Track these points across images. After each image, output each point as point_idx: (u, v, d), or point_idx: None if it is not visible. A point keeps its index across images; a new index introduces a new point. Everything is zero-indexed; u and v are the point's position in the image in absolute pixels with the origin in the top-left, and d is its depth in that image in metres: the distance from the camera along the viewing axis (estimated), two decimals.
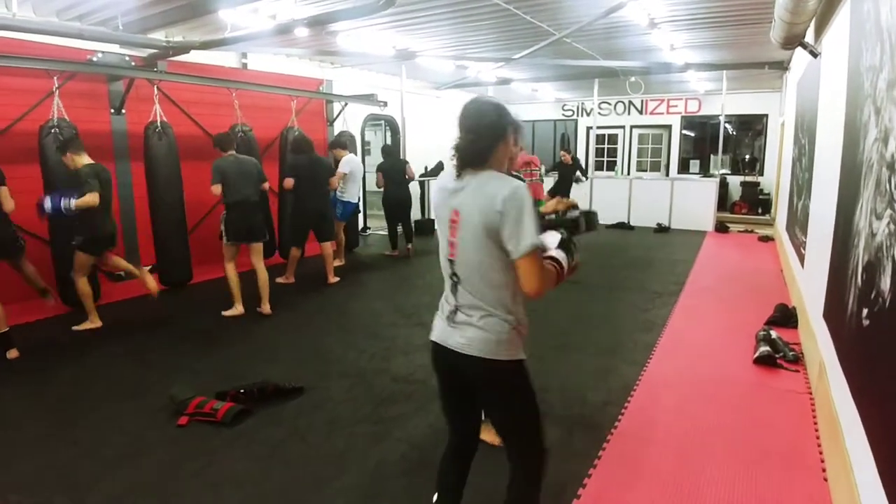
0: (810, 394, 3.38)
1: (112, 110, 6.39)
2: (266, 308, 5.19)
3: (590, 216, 2.37)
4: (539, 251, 1.64)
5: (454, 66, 9.31)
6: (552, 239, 1.99)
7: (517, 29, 6.90)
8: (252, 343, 4.46)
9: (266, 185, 5.53)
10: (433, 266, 6.97)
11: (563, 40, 7.12)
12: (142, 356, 4.16)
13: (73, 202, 4.48)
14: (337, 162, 6.95)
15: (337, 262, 6.99)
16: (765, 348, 3.88)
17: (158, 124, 6.07)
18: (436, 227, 1.82)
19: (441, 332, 1.80)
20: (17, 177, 4.87)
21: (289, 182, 6.10)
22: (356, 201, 7.24)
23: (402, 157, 8.80)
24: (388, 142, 10.77)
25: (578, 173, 9.89)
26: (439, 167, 10.79)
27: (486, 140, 1.67)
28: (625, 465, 2.65)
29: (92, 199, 4.43)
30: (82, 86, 6.07)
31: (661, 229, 10.23)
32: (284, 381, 3.54)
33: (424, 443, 2.85)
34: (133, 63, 6.28)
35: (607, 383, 3.59)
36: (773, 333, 4.13)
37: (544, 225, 2.36)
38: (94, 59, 6.00)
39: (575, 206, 2.45)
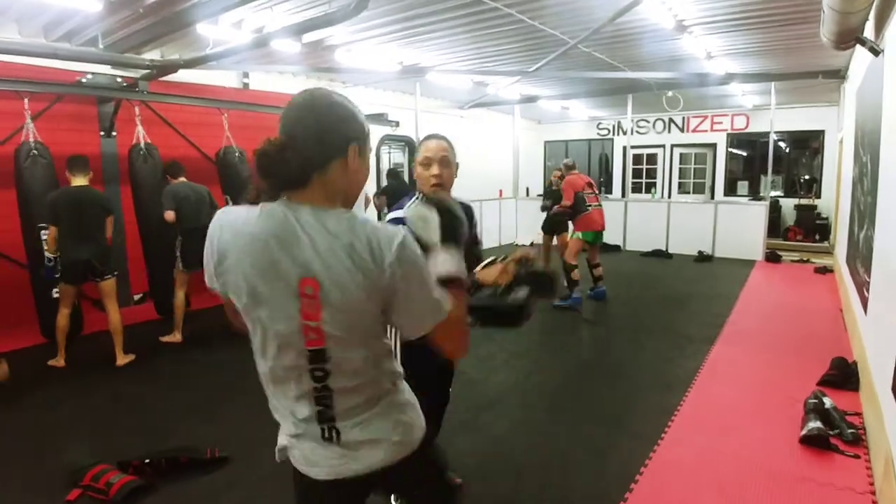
0: (873, 493, 2.53)
1: (102, 132, 6.13)
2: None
3: (542, 283, 1.80)
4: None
5: (471, 83, 8.73)
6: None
7: (529, 39, 6.29)
8: (200, 389, 3.88)
9: None
10: None
11: (583, 50, 6.45)
12: (87, 399, 3.66)
13: (47, 252, 4.39)
14: None
15: None
16: (815, 424, 3.02)
17: (143, 146, 5.72)
18: (236, 299, 1.13)
19: (321, 459, 1.18)
20: None
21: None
22: None
23: (408, 180, 8.33)
24: (405, 165, 10.27)
25: None
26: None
27: (313, 150, 1.08)
28: None
29: (51, 233, 4.32)
30: (70, 108, 5.86)
31: (703, 258, 9.25)
32: (211, 445, 2.94)
33: None
34: (124, 84, 5.98)
35: (603, 467, 2.82)
36: (827, 401, 3.26)
37: (477, 305, 1.75)
38: (84, 80, 5.77)
39: (525, 261, 1.83)
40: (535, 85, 9.54)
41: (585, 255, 6.37)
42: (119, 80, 6.04)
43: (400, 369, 1.25)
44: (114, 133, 6.13)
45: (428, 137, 2.11)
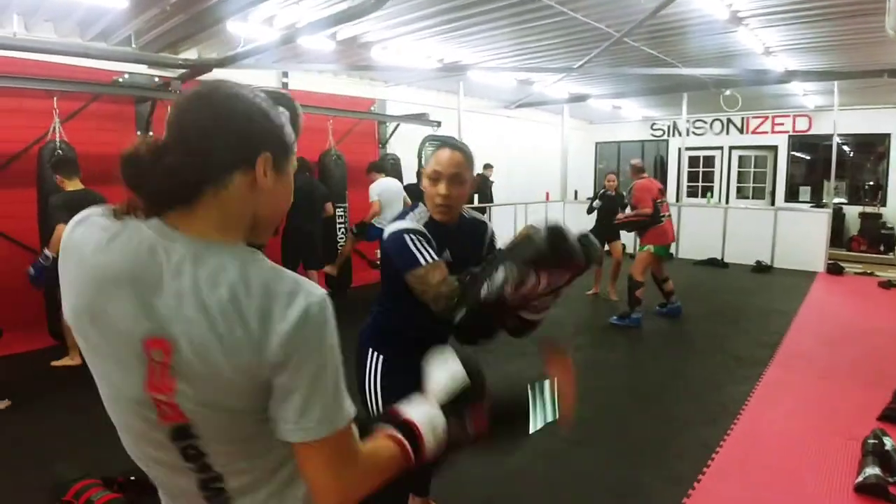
0: None
1: (139, 132, 6.17)
2: None
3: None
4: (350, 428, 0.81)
5: (515, 82, 8.41)
6: (441, 374, 1.08)
7: (573, 34, 5.98)
8: None
9: None
10: None
11: (631, 44, 6.05)
12: (85, 408, 3.57)
13: (46, 249, 4.08)
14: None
15: (328, 269, 6.47)
16: (872, 471, 2.60)
17: None
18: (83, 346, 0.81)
19: None
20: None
21: None
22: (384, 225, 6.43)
23: None
24: None
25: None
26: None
27: (205, 157, 0.76)
28: None
29: (56, 234, 3.87)
30: (109, 107, 5.90)
31: (761, 268, 8.61)
32: None
33: None
34: (160, 84, 6.01)
35: None
36: (889, 442, 2.82)
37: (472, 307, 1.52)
38: (121, 80, 5.85)
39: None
40: (584, 83, 9.12)
41: (650, 269, 5.79)
42: (157, 80, 6.08)
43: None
44: (150, 133, 6.16)
45: (443, 145, 1.74)
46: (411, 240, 1.63)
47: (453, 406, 1.01)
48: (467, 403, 1.03)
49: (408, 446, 0.90)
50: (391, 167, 7.71)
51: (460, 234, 1.81)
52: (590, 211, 6.74)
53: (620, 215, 5.87)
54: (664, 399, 3.82)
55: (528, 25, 5.75)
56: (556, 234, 1.45)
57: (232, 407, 0.76)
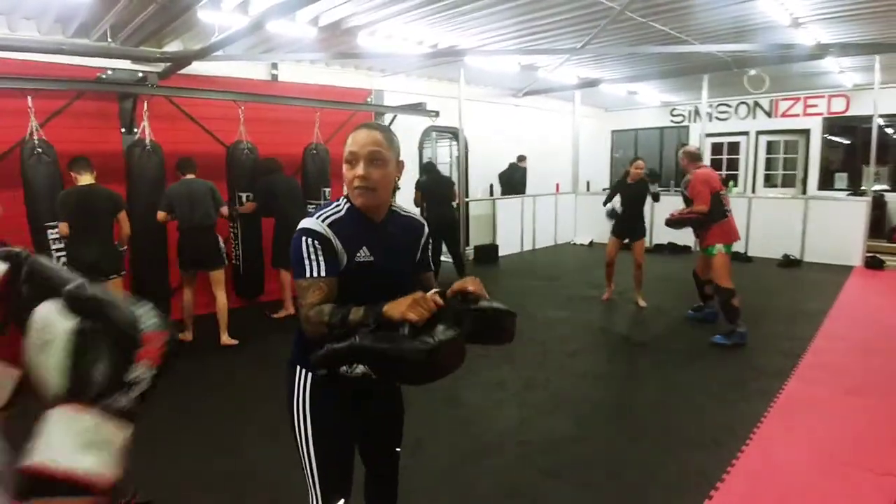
0: None
1: (123, 129, 5.95)
2: (225, 338, 4.85)
3: (487, 323, 1.47)
4: None
5: (519, 67, 7.94)
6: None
7: (575, 10, 5.48)
8: (162, 410, 3.42)
9: (225, 210, 5.08)
10: (513, 304, 5.68)
11: (637, 19, 5.55)
12: None
13: None
14: None
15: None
16: None
17: (147, 143, 5.46)
18: None
19: None
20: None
21: (250, 206, 5.70)
22: None
23: (457, 174, 7.73)
24: (457, 158, 9.65)
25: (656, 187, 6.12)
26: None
27: None
28: None
29: (62, 229, 4.27)
30: (91, 105, 5.72)
31: (789, 262, 7.98)
32: (134, 488, 2.46)
33: None
34: (141, 79, 5.78)
35: None
36: None
37: (364, 346, 1.33)
38: (104, 76, 5.65)
39: (465, 296, 1.48)
40: (594, 67, 8.58)
41: (694, 267, 5.29)
42: (140, 75, 5.86)
43: None
44: (135, 130, 5.93)
45: (359, 127, 1.58)
46: (306, 244, 1.49)
47: None
48: None
49: None
50: None
51: (388, 231, 1.62)
52: (610, 215, 5.84)
53: (675, 212, 5.03)
54: (663, 417, 3.36)
55: (527, 3, 5.31)
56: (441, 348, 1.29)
57: None
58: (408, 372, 1.30)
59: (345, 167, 1.55)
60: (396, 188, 1.72)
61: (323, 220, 1.52)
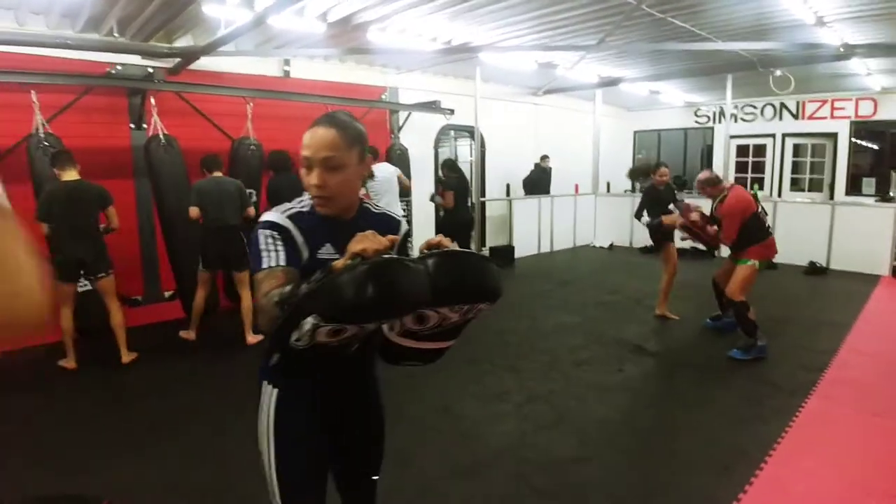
0: None
1: (132, 125, 5.94)
2: (250, 337, 4.81)
3: (458, 262, 1.25)
4: None
5: (536, 65, 7.75)
6: None
7: (593, 5, 5.27)
8: (156, 411, 3.34)
9: (251, 212, 4.97)
10: (509, 313, 5.53)
11: (656, 15, 5.34)
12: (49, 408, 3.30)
13: None
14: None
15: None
16: None
17: (161, 137, 5.45)
18: None
19: None
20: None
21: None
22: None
23: (472, 173, 7.60)
24: (473, 158, 9.50)
25: (682, 195, 5.83)
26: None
27: None
28: None
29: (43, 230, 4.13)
30: (101, 100, 5.77)
31: (815, 270, 7.67)
32: (110, 498, 2.36)
33: None
34: (148, 74, 5.75)
35: None
36: None
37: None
38: (113, 71, 5.67)
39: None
40: (615, 65, 8.35)
41: (713, 274, 4.99)
42: (150, 70, 5.84)
43: None
44: (144, 125, 5.91)
45: (314, 123, 1.42)
46: (265, 237, 1.38)
47: None
48: None
49: None
50: (398, 158, 7.27)
51: (358, 227, 1.41)
52: (657, 228, 5.16)
53: (695, 210, 4.68)
54: (669, 437, 3.17)
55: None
56: (382, 271, 1.08)
57: None
58: (352, 305, 1.05)
59: (302, 171, 1.43)
60: (368, 179, 1.59)
61: (284, 213, 1.43)
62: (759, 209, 4.49)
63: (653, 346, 4.71)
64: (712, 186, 4.60)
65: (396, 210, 5.91)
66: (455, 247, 1.26)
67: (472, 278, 1.21)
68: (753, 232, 4.36)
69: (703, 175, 4.65)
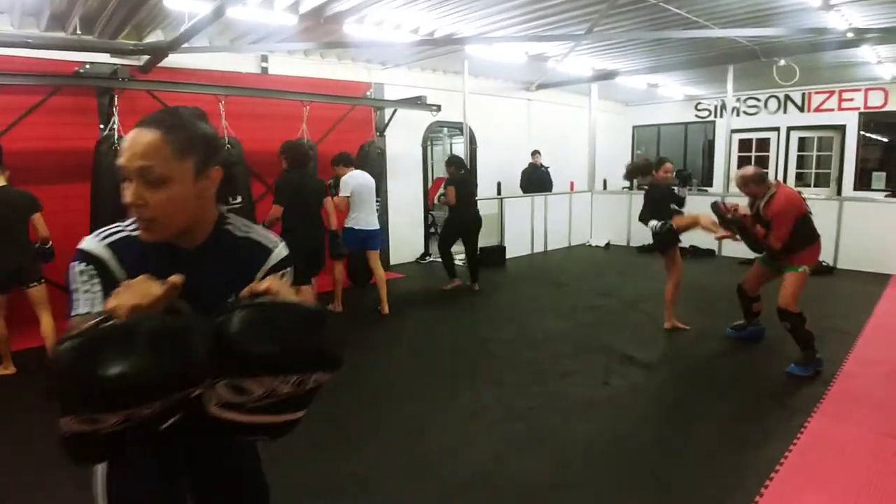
0: None
1: (101, 125, 5.69)
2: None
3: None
4: None
5: (526, 58, 7.44)
6: None
7: None
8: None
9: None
10: (496, 319, 5.23)
11: (649, 1, 5.00)
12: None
13: None
14: (338, 181, 5.54)
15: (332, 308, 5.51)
16: None
17: (115, 140, 5.12)
18: None
19: None
20: None
21: (277, 210, 4.81)
22: (363, 227, 5.50)
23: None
24: (463, 155, 9.19)
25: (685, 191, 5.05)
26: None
27: None
28: None
29: None
30: (68, 100, 5.53)
31: (821, 270, 7.26)
32: None
33: None
34: (128, 73, 5.51)
35: None
36: None
37: None
38: (82, 70, 5.42)
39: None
40: (609, 57, 8.04)
41: (742, 280, 4.60)
42: (120, 68, 5.58)
43: None
44: (114, 126, 5.66)
45: (136, 125, 1.10)
46: (75, 273, 1.11)
47: None
48: None
49: None
50: (377, 158, 6.95)
51: (207, 257, 1.17)
52: (668, 232, 4.70)
53: (735, 209, 4.16)
54: (658, 462, 2.85)
55: None
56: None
57: None
58: (64, 393, 0.84)
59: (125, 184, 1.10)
60: (233, 199, 1.28)
61: (103, 238, 1.13)
62: (810, 212, 4.05)
63: (645, 356, 4.38)
64: (757, 184, 4.05)
65: (372, 225, 5.56)
66: (287, 296, 0.97)
67: (286, 343, 0.93)
68: (806, 235, 3.96)
69: (750, 171, 4.13)
